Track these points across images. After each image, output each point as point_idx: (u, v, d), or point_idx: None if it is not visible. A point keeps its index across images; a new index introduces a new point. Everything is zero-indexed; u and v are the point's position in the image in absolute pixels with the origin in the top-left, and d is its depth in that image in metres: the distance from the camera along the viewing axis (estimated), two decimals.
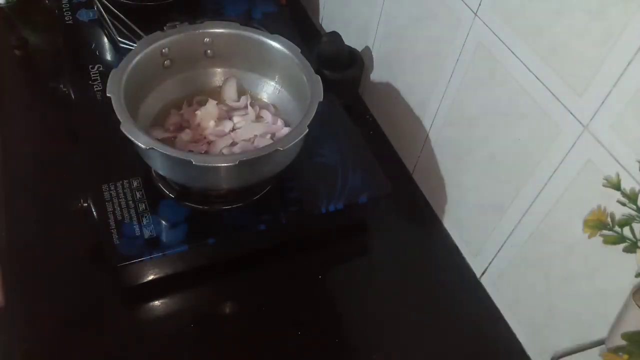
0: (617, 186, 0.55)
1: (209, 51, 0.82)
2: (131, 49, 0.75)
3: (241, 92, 0.84)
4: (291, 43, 0.78)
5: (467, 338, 0.76)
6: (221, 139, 0.77)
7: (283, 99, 0.83)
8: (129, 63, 0.73)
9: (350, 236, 0.84)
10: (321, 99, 0.71)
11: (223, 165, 0.66)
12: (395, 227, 0.87)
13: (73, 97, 0.88)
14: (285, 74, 0.81)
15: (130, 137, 0.65)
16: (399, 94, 0.93)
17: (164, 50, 0.78)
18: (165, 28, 0.79)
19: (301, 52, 0.77)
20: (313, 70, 0.75)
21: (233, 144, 0.77)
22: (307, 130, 0.68)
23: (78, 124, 0.83)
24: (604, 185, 0.56)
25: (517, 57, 0.66)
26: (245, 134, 0.78)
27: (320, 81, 0.73)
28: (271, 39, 0.79)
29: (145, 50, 0.75)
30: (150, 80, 0.78)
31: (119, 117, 0.66)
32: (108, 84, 0.69)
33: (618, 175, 0.56)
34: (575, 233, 0.62)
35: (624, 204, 0.54)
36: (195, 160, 0.63)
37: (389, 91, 0.96)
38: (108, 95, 0.68)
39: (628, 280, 0.57)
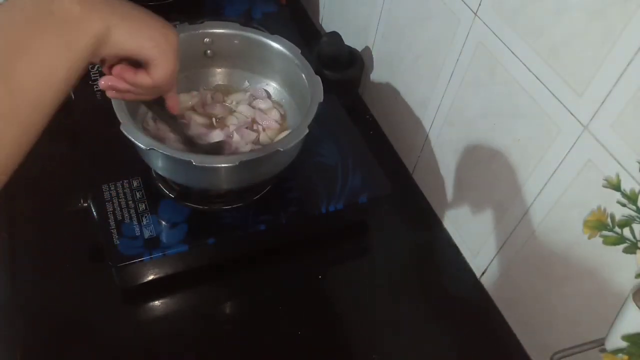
0: (617, 187, 0.55)
1: (208, 51, 0.82)
2: None
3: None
4: (291, 44, 0.78)
5: (467, 338, 0.76)
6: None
7: (283, 99, 0.83)
8: None
9: (350, 236, 0.84)
10: (321, 100, 0.71)
11: (223, 165, 0.66)
12: (395, 227, 0.87)
13: (73, 97, 0.88)
14: (285, 74, 0.81)
15: (130, 137, 0.64)
16: (399, 94, 0.93)
17: None
18: None
19: (301, 53, 0.77)
20: (313, 71, 0.75)
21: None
22: (307, 131, 0.68)
23: (78, 124, 0.83)
24: (604, 186, 0.56)
25: (517, 57, 0.66)
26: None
27: (320, 82, 0.73)
28: (271, 40, 0.79)
29: None
30: None
31: (118, 117, 0.66)
32: None
33: (618, 175, 0.56)
34: (575, 233, 0.62)
35: (624, 205, 0.54)
36: (196, 160, 0.63)
37: (389, 91, 0.96)
38: (108, 95, 0.68)
39: (628, 280, 0.57)
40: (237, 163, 0.64)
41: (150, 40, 0.49)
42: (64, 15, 0.42)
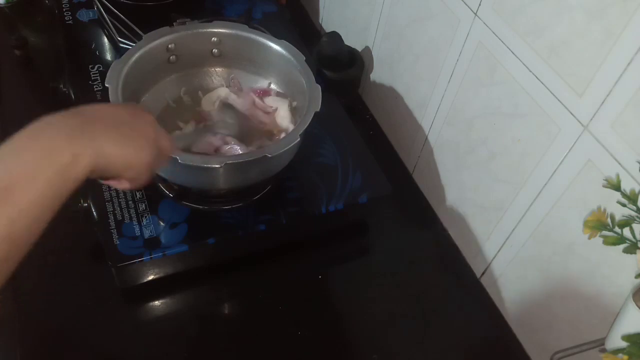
0: (617, 187, 0.55)
1: (215, 50, 0.82)
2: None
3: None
4: (297, 50, 0.78)
5: (467, 338, 0.76)
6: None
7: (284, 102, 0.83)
8: (132, 55, 0.73)
9: (350, 236, 0.84)
10: (317, 110, 0.70)
11: (206, 166, 0.65)
12: (395, 227, 0.87)
13: (73, 97, 0.88)
14: (288, 79, 0.81)
15: None
16: (399, 94, 0.93)
17: (170, 46, 0.78)
18: (174, 24, 0.79)
19: (305, 60, 0.77)
20: (314, 80, 0.75)
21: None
22: (299, 139, 0.68)
23: None
24: (604, 186, 0.56)
25: (517, 57, 0.66)
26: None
27: (320, 91, 0.73)
28: (278, 44, 0.79)
29: (150, 44, 0.75)
30: (153, 74, 0.78)
31: None
32: (108, 75, 0.69)
33: (618, 175, 0.56)
34: (575, 233, 0.62)
35: (624, 205, 0.54)
36: (181, 158, 0.63)
37: (389, 91, 0.96)
38: (106, 85, 0.68)
39: (628, 280, 0.57)
40: (221, 165, 0.64)
41: (117, 171, 0.50)
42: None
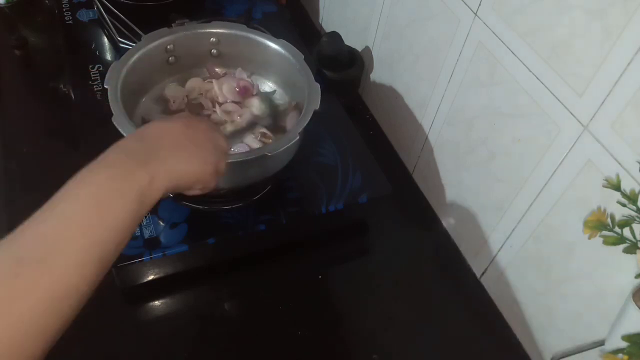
0: (617, 187, 0.55)
1: (214, 51, 0.82)
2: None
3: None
4: (296, 49, 0.78)
5: (467, 338, 0.76)
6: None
7: (283, 101, 0.83)
8: (131, 56, 0.73)
9: (350, 236, 0.84)
10: (317, 108, 0.70)
11: None
12: (395, 227, 0.87)
13: (73, 97, 0.88)
14: (287, 78, 0.81)
15: (120, 130, 0.64)
16: (399, 94, 0.93)
17: (169, 47, 0.78)
18: (173, 25, 0.79)
19: (305, 59, 0.77)
20: (313, 78, 0.75)
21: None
22: (298, 137, 0.68)
23: (78, 124, 0.83)
24: (604, 186, 0.56)
25: (517, 57, 0.66)
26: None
27: (319, 90, 0.73)
28: (276, 43, 0.79)
29: (149, 45, 0.75)
30: (152, 75, 0.78)
31: (112, 109, 0.66)
32: (107, 76, 0.69)
33: (618, 175, 0.55)
34: (575, 233, 0.62)
35: (624, 205, 0.54)
36: None
37: (389, 91, 0.96)
38: (105, 86, 0.68)
39: (628, 280, 0.57)
40: None
41: (187, 187, 0.55)
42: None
